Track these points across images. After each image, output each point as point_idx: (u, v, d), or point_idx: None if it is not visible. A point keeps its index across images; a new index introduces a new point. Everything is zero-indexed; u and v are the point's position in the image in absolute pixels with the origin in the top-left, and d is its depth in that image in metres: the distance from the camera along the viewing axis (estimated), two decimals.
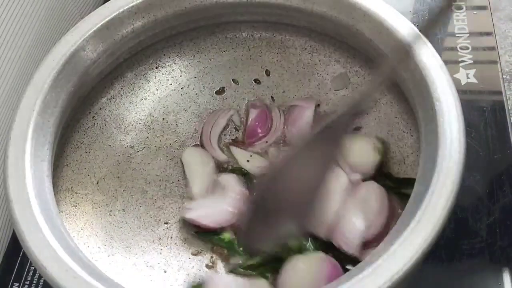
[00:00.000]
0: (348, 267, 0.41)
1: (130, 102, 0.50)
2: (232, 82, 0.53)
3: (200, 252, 0.45)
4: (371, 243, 0.41)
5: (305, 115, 0.50)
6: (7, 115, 0.51)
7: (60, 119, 0.41)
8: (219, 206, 0.46)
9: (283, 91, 0.52)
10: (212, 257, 0.45)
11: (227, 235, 0.45)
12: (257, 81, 0.52)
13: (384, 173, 0.46)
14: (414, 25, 0.41)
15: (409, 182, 0.43)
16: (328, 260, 0.41)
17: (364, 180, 0.45)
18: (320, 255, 0.41)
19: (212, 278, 0.42)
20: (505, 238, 0.45)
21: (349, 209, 0.43)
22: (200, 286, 0.42)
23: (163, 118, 0.51)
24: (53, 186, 0.39)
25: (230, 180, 0.47)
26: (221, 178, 0.48)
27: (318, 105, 0.50)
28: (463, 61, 0.56)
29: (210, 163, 0.49)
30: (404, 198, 0.43)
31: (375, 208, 0.42)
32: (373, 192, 0.43)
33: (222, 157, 0.50)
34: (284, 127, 0.50)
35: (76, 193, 0.45)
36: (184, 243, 0.46)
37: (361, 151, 0.46)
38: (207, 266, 0.44)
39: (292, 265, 0.41)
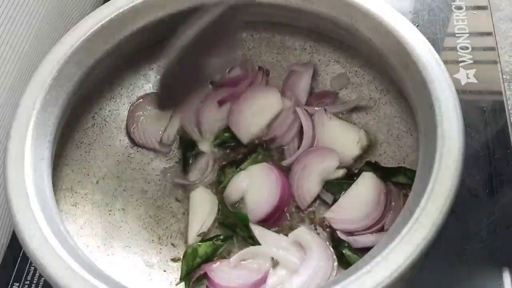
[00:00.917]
0: None
1: (130, 102, 0.50)
2: None
3: None
4: (364, 231, 0.43)
5: (303, 80, 0.50)
6: (8, 114, 0.51)
7: (60, 118, 0.41)
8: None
9: None
10: None
11: None
12: None
13: (371, 163, 0.46)
14: (414, 25, 0.41)
15: (397, 171, 0.44)
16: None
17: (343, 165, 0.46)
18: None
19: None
20: (505, 238, 0.45)
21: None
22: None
23: None
24: (53, 186, 0.39)
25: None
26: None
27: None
28: (463, 61, 0.56)
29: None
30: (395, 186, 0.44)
31: (371, 200, 0.43)
32: (371, 185, 0.43)
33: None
34: None
35: (76, 192, 0.45)
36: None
37: (345, 142, 0.46)
38: None
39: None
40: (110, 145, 0.49)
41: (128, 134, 0.50)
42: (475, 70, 0.55)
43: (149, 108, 0.50)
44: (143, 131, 0.49)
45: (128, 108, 0.50)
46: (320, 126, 0.47)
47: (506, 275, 0.44)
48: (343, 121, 0.48)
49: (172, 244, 0.45)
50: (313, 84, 0.50)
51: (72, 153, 0.46)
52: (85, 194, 0.46)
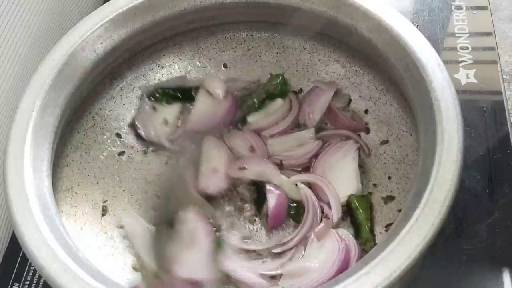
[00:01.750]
0: None
1: (130, 102, 0.50)
2: None
3: None
4: None
5: (323, 98, 0.49)
6: (7, 115, 0.51)
7: (60, 119, 0.41)
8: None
9: None
10: None
11: None
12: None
13: None
14: (414, 25, 0.41)
15: None
16: None
17: None
18: None
19: None
20: (505, 238, 0.45)
21: None
22: None
23: None
24: (53, 186, 0.39)
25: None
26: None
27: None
28: (463, 61, 0.56)
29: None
30: None
31: None
32: None
33: None
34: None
35: (76, 193, 0.45)
36: None
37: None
38: None
39: None
40: (110, 146, 0.49)
41: (137, 133, 0.50)
42: (475, 70, 0.55)
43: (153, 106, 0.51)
44: (152, 129, 0.50)
45: (129, 108, 0.50)
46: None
47: (506, 275, 0.44)
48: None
49: None
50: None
51: (72, 154, 0.46)
52: (85, 195, 0.45)
